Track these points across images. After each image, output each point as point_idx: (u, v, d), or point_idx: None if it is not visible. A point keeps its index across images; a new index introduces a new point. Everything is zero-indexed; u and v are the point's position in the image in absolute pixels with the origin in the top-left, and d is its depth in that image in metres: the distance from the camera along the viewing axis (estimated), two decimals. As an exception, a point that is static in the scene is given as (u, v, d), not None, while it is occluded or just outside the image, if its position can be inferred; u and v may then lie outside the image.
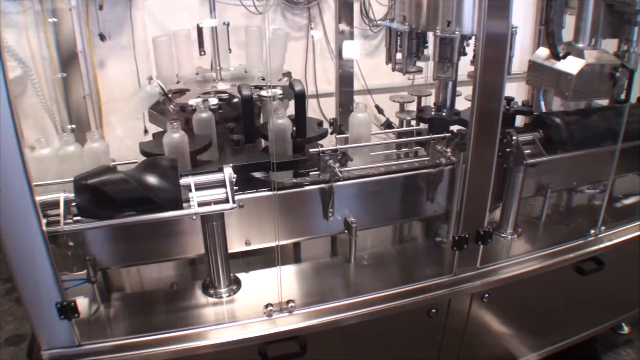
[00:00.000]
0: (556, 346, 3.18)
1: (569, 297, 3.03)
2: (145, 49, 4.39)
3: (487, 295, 2.63)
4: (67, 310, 1.92)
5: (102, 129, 4.16)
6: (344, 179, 2.44)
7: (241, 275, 2.50)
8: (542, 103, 3.49)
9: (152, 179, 1.98)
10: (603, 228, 2.91)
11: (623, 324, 3.73)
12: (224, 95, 2.60)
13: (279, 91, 2.56)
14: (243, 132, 2.38)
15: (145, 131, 4.48)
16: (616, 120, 2.78)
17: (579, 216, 3.17)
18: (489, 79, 2.17)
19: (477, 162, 2.32)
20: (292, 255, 2.73)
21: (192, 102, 2.46)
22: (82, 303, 2.23)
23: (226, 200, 2.12)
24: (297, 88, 2.27)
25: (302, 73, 5.25)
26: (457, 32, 2.64)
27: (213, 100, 2.51)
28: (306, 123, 2.37)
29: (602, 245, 2.88)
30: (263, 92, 2.51)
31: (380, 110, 5.40)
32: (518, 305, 2.84)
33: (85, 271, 2.22)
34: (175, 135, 2.20)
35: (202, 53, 2.97)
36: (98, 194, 1.90)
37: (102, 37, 4.29)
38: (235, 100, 2.51)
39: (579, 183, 3.21)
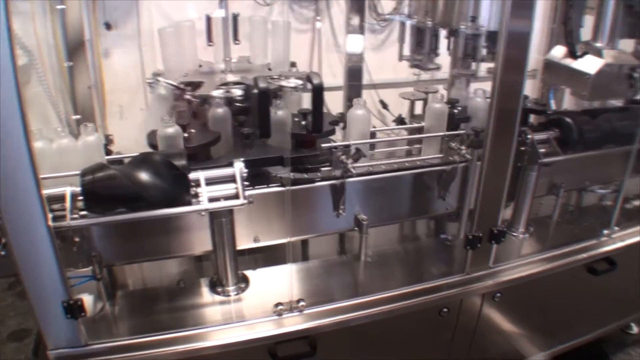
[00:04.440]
0: (565, 346, 3.16)
1: (579, 297, 3.01)
2: (151, 39, 4.33)
3: (498, 294, 2.61)
4: (74, 309, 1.88)
5: (106, 120, 4.11)
6: (356, 175, 2.39)
7: (249, 273, 2.45)
8: (553, 102, 3.46)
9: (143, 176, 1.92)
10: (616, 228, 2.88)
11: (632, 324, 3.73)
12: (241, 87, 2.54)
13: (300, 81, 2.50)
14: (258, 126, 2.31)
15: (150, 123, 4.45)
16: (632, 121, 2.75)
17: (590, 216, 3.15)
18: (508, 77, 2.12)
19: (494, 160, 2.28)
20: (300, 252, 2.69)
21: (215, 93, 2.39)
22: (87, 300, 2.16)
23: (236, 196, 2.08)
24: (315, 81, 2.21)
25: (308, 66, 5.20)
26: (482, 28, 2.61)
27: (237, 91, 2.44)
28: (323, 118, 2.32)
29: (615, 246, 2.86)
30: (284, 83, 2.44)
31: (384, 106, 5.35)
32: (529, 304, 2.81)
33: (90, 268, 2.16)
34: (169, 130, 2.14)
35: (211, 44, 2.91)
36: (90, 191, 1.86)
37: (108, 26, 4.23)
38: (255, 91, 2.45)
39: (591, 183, 3.18)
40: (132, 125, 4.22)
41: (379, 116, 5.37)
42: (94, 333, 2.03)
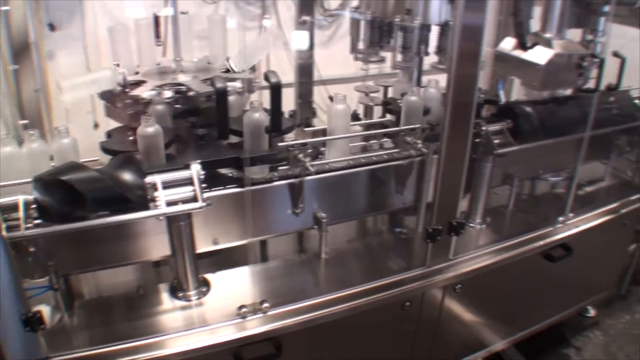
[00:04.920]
0: (525, 332, 3.22)
1: (538, 284, 3.06)
2: (96, 39, 4.22)
3: (459, 285, 2.63)
4: (33, 321, 1.81)
5: (52, 124, 4.00)
6: (315, 173, 2.37)
7: (209, 276, 2.40)
8: (502, 92, 3.50)
9: (128, 176, 1.91)
10: (571, 215, 2.93)
11: (589, 307, 3.82)
12: (182, 88, 2.48)
13: (238, 84, 2.46)
14: (217, 127, 2.27)
15: (96, 126, 4.32)
16: (582, 109, 2.80)
17: (544, 204, 3.21)
18: (463, 70, 2.14)
19: (451, 153, 2.30)
20: (259, 253, 2.66)
21: (146, 94, 2.34)
22: (45, 311, 2.09)
23: (194, 199, 2.04)
24: (273, 80, 2.17)
25: (256, 64, 5.15)
26: (416, 21, 2.64)
27: (167, 93, 2.40)
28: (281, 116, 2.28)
29: (570, 232, 2.93)
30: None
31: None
32: (489, 294, 2.84)
33: (47, 278, 2.09)
34: (149, 130, 2.08)
35: (159, 43, 2.86)
36: (69, 192, 1.82)
37: (52, 27, 4.11)
38: (191, 93, 2.41)
39: (544, 171, 3.23)
40: (80, 130, 4.11)
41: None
42: (54, 345, 1.96)
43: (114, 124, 2.47)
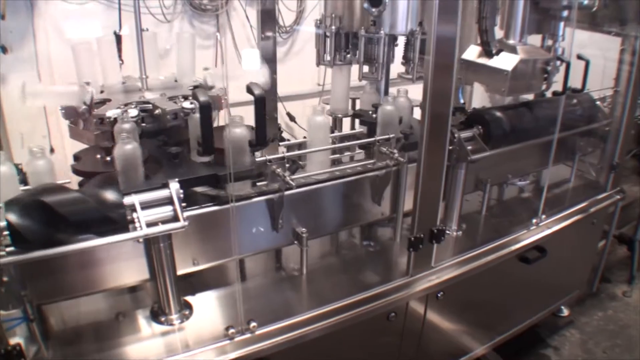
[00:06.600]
0: (504, 336, 3.25)
1: (514, 287, 3.11)
2: (48, 60, 4.12)
3: (441, 293, 2.63)
4: (12, 355, 1.75)
5: (10, 148, 3.88)
6: (295, 187, 2.33)
7: (189, 299, 2.33)
8: (462, 100, 3.54)
9: (111, 196, 1.84)
10: (544, 217, 2.97)
11: (563, 307, 3.89)
12: (147, 106, 2.41)
13: (187, 104, 2.37)
14: (202, 143, 2.18)
15: (52, 150, 4.21)
16: (548, 113, 2.85)
17: (514, 207, 3.25)
18: (439, 81, 2.16)
19: (429, 162, 2.31)
20: (237, 272, 2.59)
21: (110, 113, 2.26)
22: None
23: (174, 219, 1.98)
24: (257, 92, 2.12)
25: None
26: (381, 32, 2.68)
27: (133, 112, 2.32)
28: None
29: (544, 234, 2.98)
30: (186, 104, 2.33)
31: (292, 118, 5.33)
32: (468, 299, 2.86)
33: (21, 308, 1.99)
34: (127, 147, 2.01)
35: (121, 62, 2.80)
36: (50, 215, 1.74)
37: (4, 50, 3.98)
38: (158, 111, 2.34)
39: (514, 175, 3.26)
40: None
41: (287, 129, 5.32)
42: (34, 380, 1.88)
43: (73, 148, 2.38)
